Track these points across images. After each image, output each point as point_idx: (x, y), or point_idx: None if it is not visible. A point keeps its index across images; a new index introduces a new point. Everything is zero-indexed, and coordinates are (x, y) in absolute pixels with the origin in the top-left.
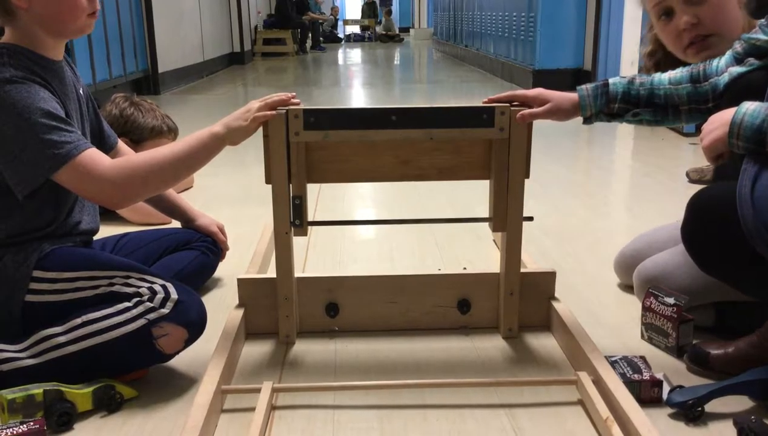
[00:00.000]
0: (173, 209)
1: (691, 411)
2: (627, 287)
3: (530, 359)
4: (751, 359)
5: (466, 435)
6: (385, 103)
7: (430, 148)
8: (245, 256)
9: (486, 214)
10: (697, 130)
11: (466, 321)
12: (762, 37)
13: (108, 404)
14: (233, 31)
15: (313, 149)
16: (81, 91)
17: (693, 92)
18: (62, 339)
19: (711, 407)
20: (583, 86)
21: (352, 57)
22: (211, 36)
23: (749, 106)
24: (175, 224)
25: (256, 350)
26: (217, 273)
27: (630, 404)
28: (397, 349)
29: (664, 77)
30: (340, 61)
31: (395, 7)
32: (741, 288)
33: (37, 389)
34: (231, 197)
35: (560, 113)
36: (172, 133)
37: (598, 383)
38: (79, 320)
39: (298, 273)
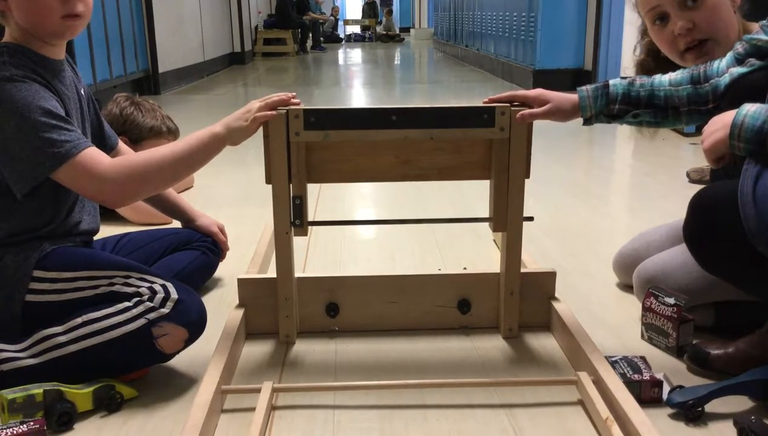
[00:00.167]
0: (173, 209)
1: (691, 411)
2: (627, 287)
3: (530, 359)
4: (751, 359)
5: (467, 435)
6: (386, 103)
7: (430, 148)
8: (245, 256)
9: (486, 214)
10: (698, 131)
11: (467, 321)
12: (763, 37)
13: (108, 404)
14: (234, 31)
15: (313, 149)
16: (82, 91)
17: (693, 93)
18: (62, 339)
19: (711, 407)
20: (584, 87)
21: (352, 57)
22: (212, 36)
23: (750, 108)
24: (176, 224)
25: (256, 350)
26: (218, 273)
27: (630, 404)
28: (397, 349)
29: (664, 79)
30: (341, 61)
31: (395, 7)
32: (743, 287)
33: (37, 389)
34: (231, 197)
35: (560, 114)
36: (171, 134)
37: (599, 383)
38: (79, 320)
39: (298, 273)
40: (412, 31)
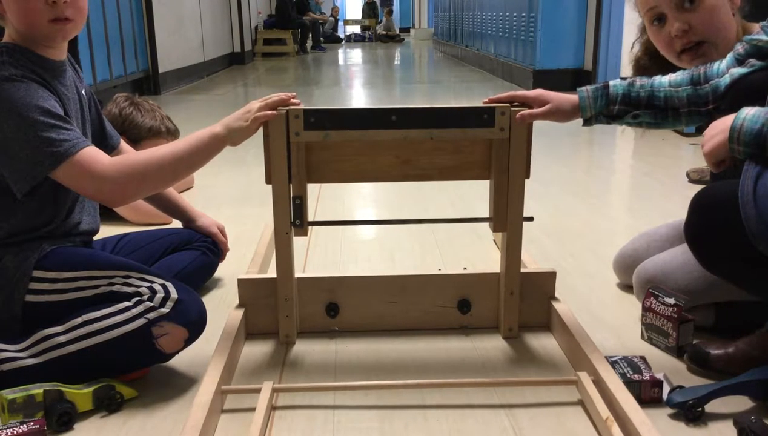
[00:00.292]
0: (174, 209)
1: (691, 411)
2: (627, 287)
3: (530, 359)
4: (751, 359)
5: (467, 435)
6: (386, 103)
7: (430, 148)
8: (245, 256)
9: (486, 214)
10: (698, 131)
11: (467, 321)
12: (763, 38)
13: (108, 404)
14: (234, 32)
15: (313, 149)
16: (83, 92)
17: (693, 94)
18: (62, 339)
19: (711, 407)
20: (584, 88)
21: (352, 57)
22: (212, 36)
23: (749, 112)
24: (176, 224)
25: (256, 350)
26: (218, 273)
27: (630, 405)
28: (397, 349)
29: (664, 80)
30: (341, 62)
31: (396, 7)
32: (744, 287)
33: (37, 389)
34: (231, 197)
35: (560, 114)
36: (170, 134)
37: (599, 383)
38: (79, 320)
39: (298, 273)
40: (412, 31)
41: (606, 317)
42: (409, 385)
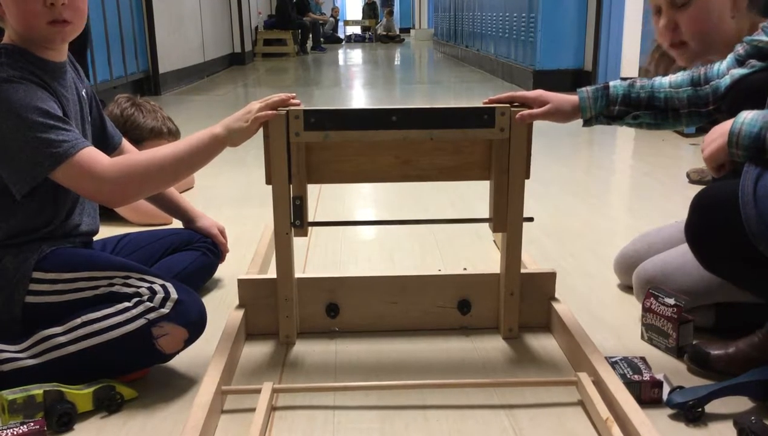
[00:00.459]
0: (175, 208)
1: (691, 412)
2: (627, 288)
3: (530, 360)
4: (751, 360)
5: (467, 435)
6: (386, 103)
7: (430, 149)
8: (245, 256)
9: (486, 215)
10: (698, 132)
11: (467, 321)
12: (764, 38)
13: (108, 405)
14: (234, 32)
15: (313, 150)
16: (83, 93)
17: (693, 95)
18: (62, 339)
19: (711, 407)
20: (584, 88)
21: (352, 57)
22: (212, 36)
23: (747, 115)
24: (176, 224)
25: (256, 351)
26: (218, 274)
27: (630, 405)
28: (397, 349)
29: (664, 81)
30: (341, 62)
31: (396, 7)
32: (744, 287)
33: (37, 390)
34: (231, 198)
35: (560, 115)
36: (172, 135)
37: (599, 383)
38: (79, 320)
39: (298, 274)
40: (412, 31)
41: (606, 317)
42: (410, 385)
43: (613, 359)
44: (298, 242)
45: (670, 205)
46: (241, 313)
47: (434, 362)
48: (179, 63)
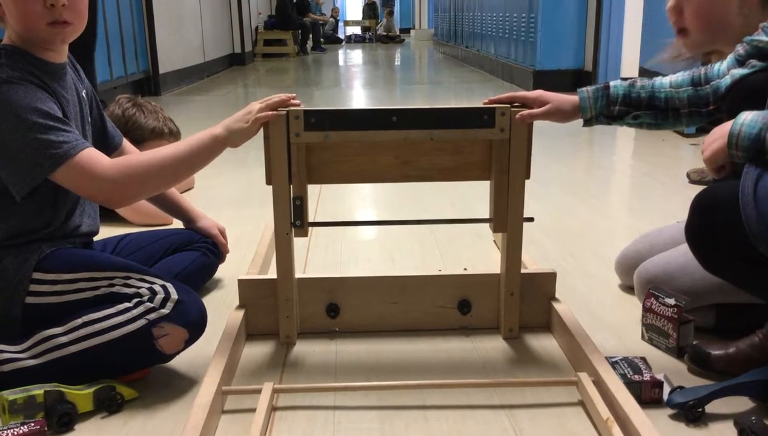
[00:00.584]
0: (176, 209)
1: (691, 412)
2: (628, 288)
3: (531, 360)
4: (752, 360)
5: None
6: (386, 103)
7: (430, 149)
8: (246, 257)
9: (487, 215)
10: (698, 132)
11: (467, 322)
12: (764, 38)
13: (108, 405)
14: (234, 32)
15: (313, 150)
16: (83, 94)
17: (694, 95)
18: (63, 340)
19: (712, 407)
20: (584, 88)
21: (352, 58)
22: (212, 37)
23: (746, 117)
24: (176, 224)
25: (256, 351)
26: (218, 274)
27: (630, 405)
28: (397, 350)
29: (665, 81)
30: (341, 62)
31: (396, 8)
32: (744, 288)
33: (38, 390)
34: (232, 198)
35: (560, 114)
36: (173, 136)
37: (599, 383)
38: (79, 321)
39: (298, 274)
40: (412, 32)
41: (606, 317)
42: (410, 386)
43: (614, 359)
44: (298, 243)
45: (670, 205)
46: (241, 313)
47: (434, 362)
48: (179, 63)
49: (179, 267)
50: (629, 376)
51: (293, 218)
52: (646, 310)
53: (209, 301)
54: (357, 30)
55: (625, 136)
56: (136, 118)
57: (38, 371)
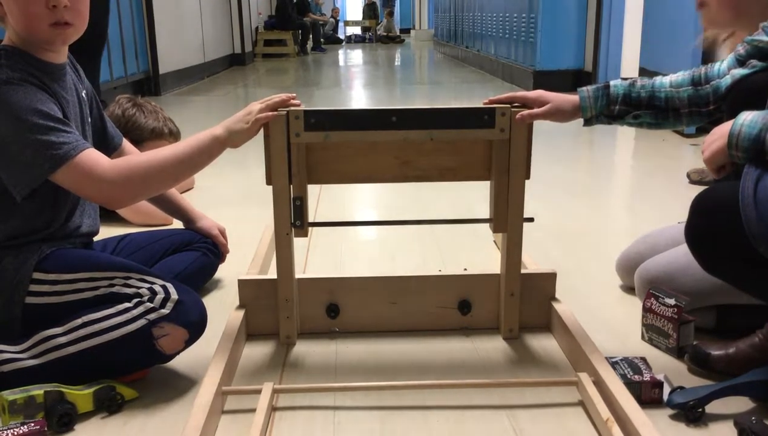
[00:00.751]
0: (176, 209)
1: (691, 412)
2: (628, 288)
3: (531, 360)
4: (752, 360)
5: None
6: (386, 104)
7: (430, 149)
8: (246, 257)
9: (487, 215)
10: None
11: (467, 322)
12: (764, 38)
13: (108, 405)
14: (234, 33)
15: (313, 150)
16: (83, 94)
17: (694, 95)
18: (63, 340)
19: (712, 407)
20: (584, 88)
21: (352, 58)
22: (212, 37)
23: (746, 117)
24: (176, 225)
25: (256, 351)
26: (218, 274)
27: (631, 405)
28: (397, 350)
29: (665, 80)
30: (341, 63)
31: (396, 8)
32: (744, 289)
33: (37, 390)
34: (232, 198)
35: (560, 114)
36: (173, 136)
37: (599, 384)
38: (79, 321)
39: (298, 274)
40: (412, 32)
41: (606, 317)
42: (410, 386)
43: (614, 360)
44: (298, 243)
45: (671, 205)
46: (241, 313)
47: (434, 362)
48: (179, 63)
49: (179, 267)
50: (629, 376)
51: (293, 218)
52: (646, 310)
53: (209, 301)
54: (357, 30)
55: (625, 136)
56: (136, 119)
57: (38, 372)
